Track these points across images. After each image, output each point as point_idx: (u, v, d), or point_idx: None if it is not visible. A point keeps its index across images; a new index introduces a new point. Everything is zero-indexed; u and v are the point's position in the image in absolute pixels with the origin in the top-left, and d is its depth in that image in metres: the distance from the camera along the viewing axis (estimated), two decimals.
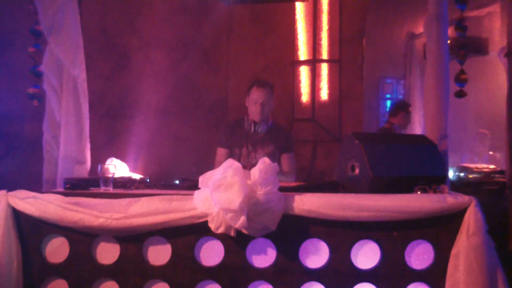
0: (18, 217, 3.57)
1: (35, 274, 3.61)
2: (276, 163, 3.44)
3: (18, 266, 3.55)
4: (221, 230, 3.38)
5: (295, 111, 7.84)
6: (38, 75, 4.26)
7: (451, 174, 5.81)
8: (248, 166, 3.47)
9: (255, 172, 3.35)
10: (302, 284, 3.54)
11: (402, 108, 7.33)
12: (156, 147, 7.08)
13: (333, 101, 7.71)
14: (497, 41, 8.00)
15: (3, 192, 3.57)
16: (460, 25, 4.29)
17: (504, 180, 5.53)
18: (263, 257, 3.54)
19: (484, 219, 3.36)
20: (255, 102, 5.06)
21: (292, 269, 3.52)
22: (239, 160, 4.97)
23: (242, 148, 5.14)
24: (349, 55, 7.74)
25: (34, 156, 4.57)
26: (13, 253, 3.53)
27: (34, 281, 3.61)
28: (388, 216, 3.38)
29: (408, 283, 3.50)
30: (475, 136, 8.39)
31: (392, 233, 3.45)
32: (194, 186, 3.52)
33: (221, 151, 5.18)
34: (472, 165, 6.42)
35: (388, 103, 8.50)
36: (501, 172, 5.98)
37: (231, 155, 5.12)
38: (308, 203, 3.41)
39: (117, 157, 4.47)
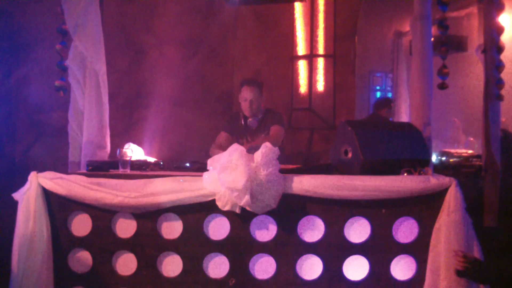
0: (47, 196, 3.58)
1: (62, 245, 3.63)
2: (277, 148, 3.44)
3: (48, 238, 3.56)
4: (227, 208, 3.39)
5: (294, 101, 7.82)
6: (64, 69, 4.26)
7: (434, 158, 5.80)
8: None
9: (258, 155, 3.36)
10: (300, 256, 3.55)
11: (385, 105, 7.33)
12: (169, 134, 7.07)
13: (328, 92, 7.69)
14: (475, 39, 7.95)
15: (34, 173, 3.57)
16: (442, 24, 4.27)
17: (480, 163, 5.52)
18: (265, 232, 3.55)
19: (463, 198, 3.37)
20: (244, 100, 5.11)
21: (291, 242, 3.53)
22: None
23: (243, 139, 5.19)
24: (343, 50, 7.71)
25: (60, 141, 4.57)
26: (43, 227, 3.54)
27: (62, 252, 3.62)
28: (377, 195, 3.39)
29: (395, 255, 3.51)
30: (449, 125, 8.35)
31: (381, 211, 3.45)
32: (203, 168, 3.52)
33: (223, 134, 5.22)
34: (452, 150, 6.42)
35: (378, 94, 8.50)
36: (478, 157, 5.97)
37: (231, 140, 5.12)
38: (305, 184, 3.41)
39: (134, 142, 4.48)
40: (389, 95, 8.65)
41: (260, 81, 5.32)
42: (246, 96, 5.08)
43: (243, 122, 5.09)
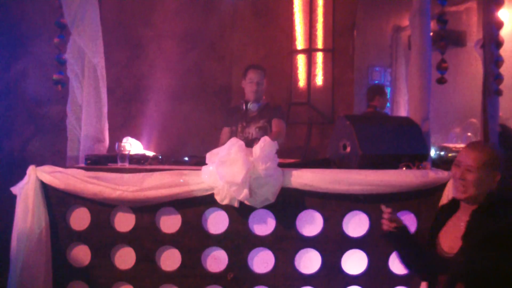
0: (46, 189, 3.58)
1: (61, 239, 3.63)
2: (276, 142, 3.44)
3: (47, 232, 3.57)
4: (226, 202, 3.39)
5: (292, 95, 7.80)
6: (62, 63, 4.25)
7: (432, 152, 5.81)
8: (242, 140, 3.47)
9: (257, 149, 3.36)
10: (298, 250, 3.56)
11: (375, 92, 7.29)
12: (167, 127, 7.06)
13: (327, 87, 7.67)
14: (474, 34, 7.97)
15: (33, 167, 3.57)
16: (441, 19, 4.27)
17: None
18: (264, 226, 3.56)
19: None
20: (251, 82, 5.15)
21: (289, 237, 3.54)
22: (235, 136, 5.02)
23: (238, 125, 5.16)
24: (342, 45, 7.70)
25: (59, 135, 4.57)
26: (42, 221, 3.54)
27: (60, 246, 3.63)
28: (376, 189, 3.40)
29: (394, 250, 3.52)
30: (467, 126, 8.35)
31: (379, 205, 3.45)
32: (202, 162, 3.52)
33: (225, 130, 5.24)
34: (451, 145, 6.43)
35: (385, 89, 8.49)
36: None
37: (231, 132, 5.17)
38: (304, 178, 3.42)
39: (132, 136, 4.48)
40: (388, 90, 8.64)
41: (263, 67, 5.36)
42: (252, 77, 5.14)
43: (244, 107, 5.08)
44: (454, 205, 3.09)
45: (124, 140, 4.24)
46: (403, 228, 3.07)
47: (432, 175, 3.45)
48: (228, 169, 3.31)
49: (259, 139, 3.46)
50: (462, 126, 8.24)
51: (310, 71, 7.72)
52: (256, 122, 5.12)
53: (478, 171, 2.87)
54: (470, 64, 7.80)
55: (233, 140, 3.44)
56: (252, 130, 5.06)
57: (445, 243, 3.00)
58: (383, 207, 3.08)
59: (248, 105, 5.07)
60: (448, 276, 2.91)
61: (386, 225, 3.06)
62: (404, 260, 3.17)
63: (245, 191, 3.30)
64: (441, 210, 3.21)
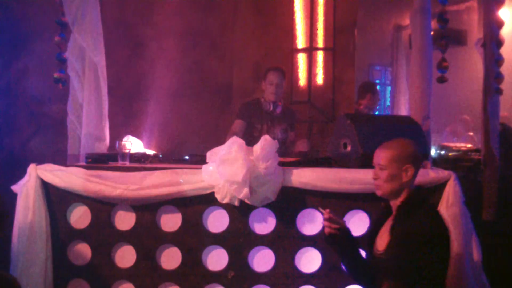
0: (47, 188, 3.59)
1: (62, 237, 3.64)
2: (276, 141, 3.45)
3: (47, 230, 3.58)
4: (226, 200, 3.40)
5: (293, 94, 7.77)
6: (63, 61, 4.26)
7: (433, 151, 5.80)
8: None
9: (257, 148, 3.36)
10: (299, 249, 3.57)
11: (368, 89, 7.26)
12: (168, 126, 7.06)
13: (328, 86, 7.64)
14: (475, 33, 7.95)
15: (33, 165, 3.58)
16: (442, 18, 4.27)
17: (479, 157, 5.52)
18: (264, 224, 3.57)
19: (461, 192, 3.38)
20: (271, 83, 5.21)
21: (290, 235, 3.54)
22: (260, 134, 5.07)
23: (263, 124, 5.23)
24: (342, 44, 7.67)
25: (60, 134, 4.57)
26: (42, 219, 3.56)
27: (61, 244, 3.64)
28: None
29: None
30: (459, 122, 8.34)
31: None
32: (202, 161, 3.53)
33: (239, 122, 5.23)
34: (451, 144, 6.42)
35: (377, 88, 8.48)
36: (477, 151, 5.96)
37: (248, 128, 5.21)
38: (304, 177, 3.43)
39: (133, 135, 4.48)
40: (389, 88, 8.64)
41: (283, 69, 5.45)
42: (273, 79, 5.22)
43: (270, 108, 5.14)
44: (388, 208, 3.09)
45: (125, 138, 4.24)
46: (345, 231, 3.08)
47: (433, 174, 3.45)
48: (228, 168, 3.31)
49: (281, 140, 3.50)
50: (460, 124, 8.25)
51: (310, 70, 7.70)
52: (280, 123, 5.26)
53: (388, 168, 2.93)
54: (471, 63, 7.80)
55: (234, 138, 3.45)
56: (277, 131, 5.15)
57: (380, 243, 3.00)
58: (321, 209, 3.09)
59: (275, 107, 5.15)
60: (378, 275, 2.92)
61: (327, 226, 3.06)
62: (349, 268, 3.18)
63: (246, 190, 3.30)
64: (378, 216, 3.21)
